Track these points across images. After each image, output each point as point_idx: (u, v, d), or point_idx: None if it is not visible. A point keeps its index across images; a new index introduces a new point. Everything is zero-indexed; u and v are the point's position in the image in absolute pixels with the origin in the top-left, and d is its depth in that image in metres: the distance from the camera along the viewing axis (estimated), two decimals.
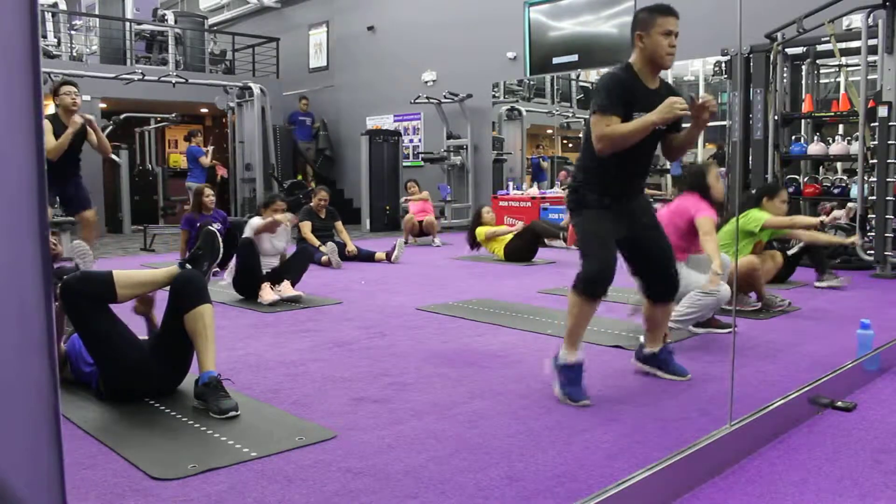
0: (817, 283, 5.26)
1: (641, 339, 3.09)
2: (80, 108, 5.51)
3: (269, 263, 5.05)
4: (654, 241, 2.87)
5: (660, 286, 2.91)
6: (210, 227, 3.01)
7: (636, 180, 2.88)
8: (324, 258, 6.76)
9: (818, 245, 5.17)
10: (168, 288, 2.71)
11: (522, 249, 7.08)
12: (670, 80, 3.17)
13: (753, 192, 4.81)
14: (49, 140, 5.25)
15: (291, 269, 5.06)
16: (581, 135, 3.00)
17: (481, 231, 7.29)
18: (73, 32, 12.47)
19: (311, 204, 7.38)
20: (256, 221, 4.97)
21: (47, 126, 5.43)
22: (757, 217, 4.40)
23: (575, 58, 10.64)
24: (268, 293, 4.76)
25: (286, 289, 4.84)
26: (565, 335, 2.72)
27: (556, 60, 10.85)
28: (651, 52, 2.69)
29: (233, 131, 11.44)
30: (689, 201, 3.72)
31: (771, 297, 4.46)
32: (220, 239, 2.96)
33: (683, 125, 3.13)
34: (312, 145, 13.54)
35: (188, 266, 2.79)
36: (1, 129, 0.86)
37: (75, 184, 5.63)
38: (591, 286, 2.64)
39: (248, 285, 4.91)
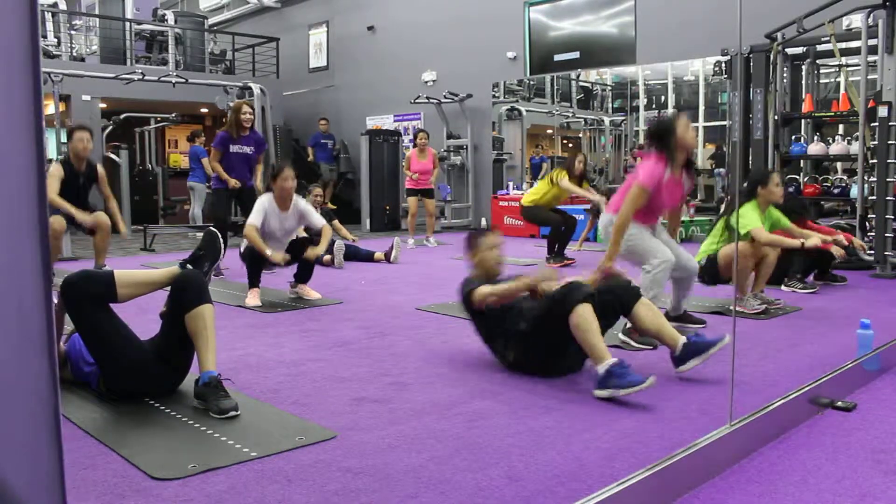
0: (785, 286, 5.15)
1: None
2: (90, 153, 5.62)
3: (274, 245, 4.80)
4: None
5: (613, 306, 3.00)
6: (211, 229, 3.00)
7: None
8: (326, 257, 6.77)
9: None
10: (169, 288, 2.71)
11: (539, 217, 7.06)
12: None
13: (745, 185, 4.70)
14: (52, 187, 5.29)
15: (302, 271, 5.00)
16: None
17: (563, 174, 6.92)
18: (73, 32, 12.47)
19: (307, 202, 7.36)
20: (264, 201, 4.88)
21: (58, 172, 5.45)
22: (746, 222, 4.22)
23: (576, 55, 10.66)
24: (252, 298, 4.75)
25: (308, 292, 4.97)
26: (588, 352, 2.76)
27: (557, 58, 10.87)
28: None
29: None
30: (643, 163, 3.61)
31: (753, 295, 4.31)
32: (222, 240, 2.95)
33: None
34: (335, 167, 12.90)
35: (189, 266, 2.79)
36: (1, 129, 0.86)
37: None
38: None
39: (254, 259, 4.83)
